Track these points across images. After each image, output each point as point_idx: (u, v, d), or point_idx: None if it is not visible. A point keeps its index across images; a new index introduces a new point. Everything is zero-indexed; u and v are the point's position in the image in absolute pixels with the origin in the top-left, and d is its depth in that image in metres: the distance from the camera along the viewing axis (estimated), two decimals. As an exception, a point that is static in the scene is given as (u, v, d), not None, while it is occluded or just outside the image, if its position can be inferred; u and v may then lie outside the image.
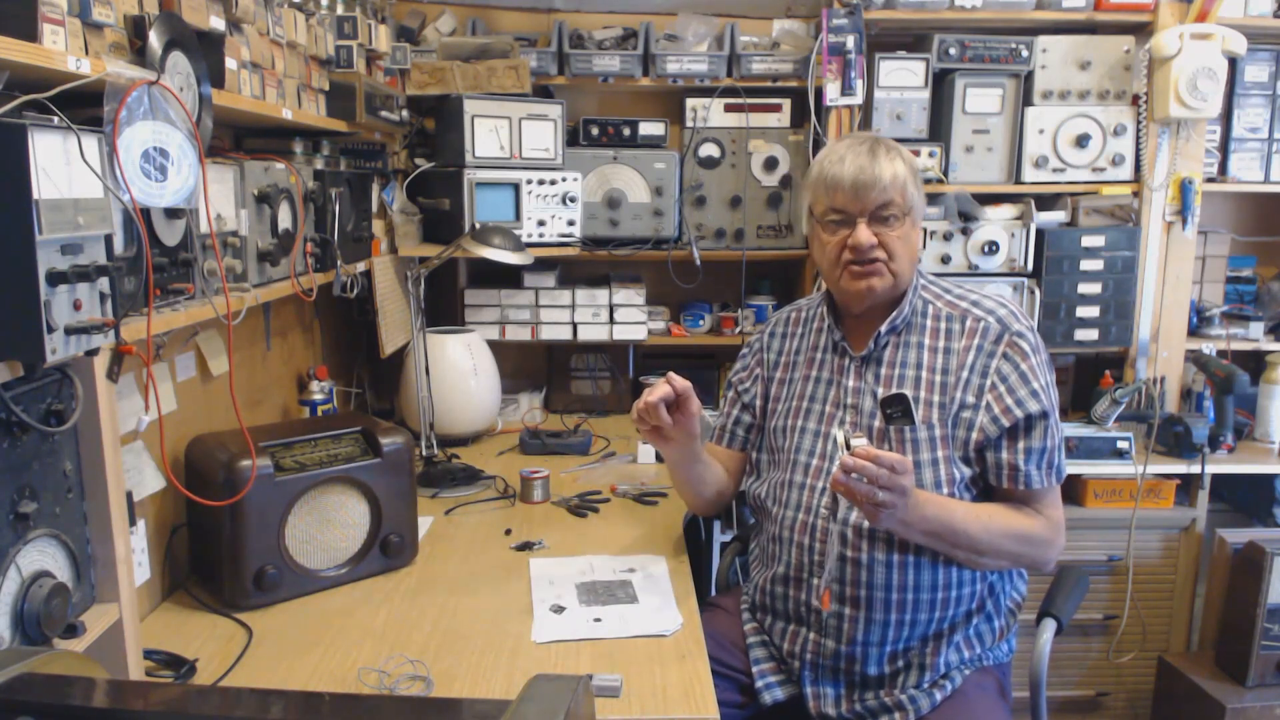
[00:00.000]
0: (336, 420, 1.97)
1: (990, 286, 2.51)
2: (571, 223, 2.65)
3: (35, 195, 0.98)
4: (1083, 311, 2.72)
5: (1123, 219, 2.73)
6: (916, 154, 2.67)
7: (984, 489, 1.60)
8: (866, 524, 1.51)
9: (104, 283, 1.11)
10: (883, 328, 1.61)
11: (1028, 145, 2.69)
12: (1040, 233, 2.71)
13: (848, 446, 1.39)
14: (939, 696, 1.56)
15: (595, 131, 2.86)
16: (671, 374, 1.63)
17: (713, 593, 2.05)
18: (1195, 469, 2.57)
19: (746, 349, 1.86)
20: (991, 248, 2.70)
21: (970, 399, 1.55)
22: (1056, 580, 1.77)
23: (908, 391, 1.53)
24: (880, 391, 1.59)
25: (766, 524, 1.70)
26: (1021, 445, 1.54)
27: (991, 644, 1.63)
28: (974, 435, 1.55)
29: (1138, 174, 2.70)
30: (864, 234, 1.56)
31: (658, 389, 1.61)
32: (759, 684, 1.64)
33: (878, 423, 1.57)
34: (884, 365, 1.61)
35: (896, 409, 1.46)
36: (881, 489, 1.36)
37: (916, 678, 1.57)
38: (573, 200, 2.63)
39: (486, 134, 2.53)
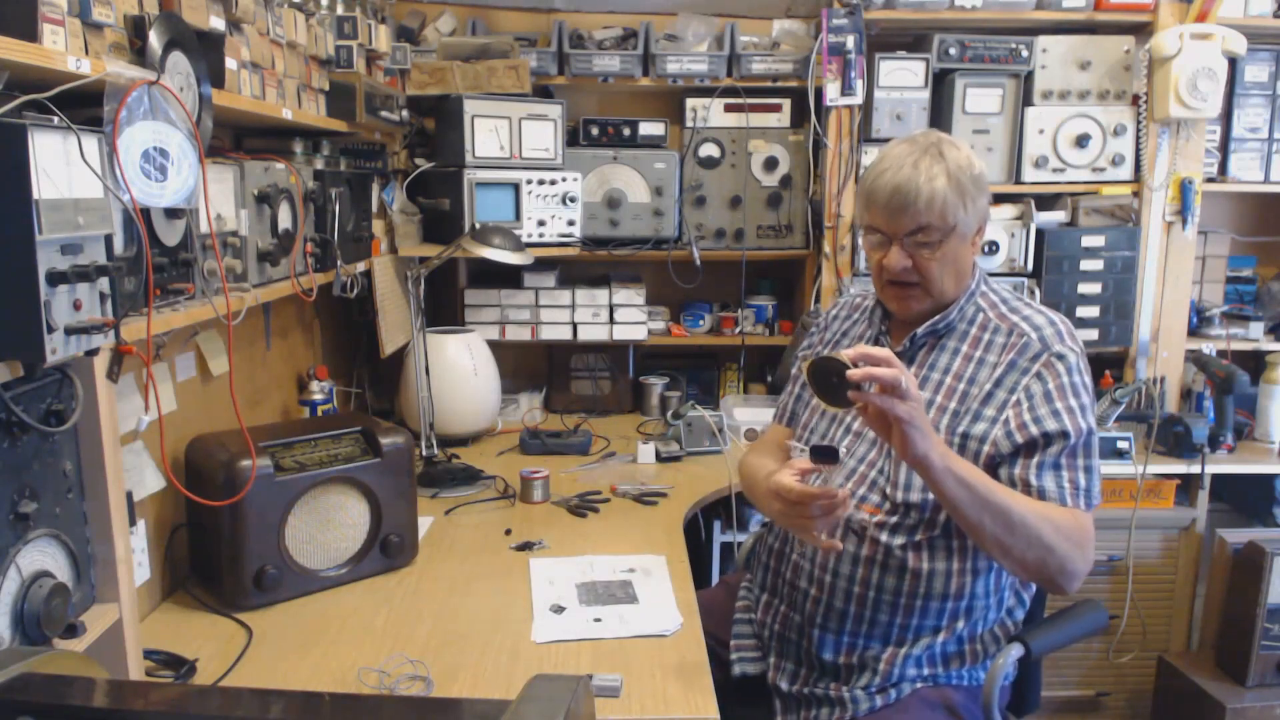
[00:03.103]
0: (336, 420, 1.97)
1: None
2: (571, 223, 2.65)
3: (35, 195, 0.98)
4: (1083, 311, 2.71)
5: (1123, 219, 2.73)
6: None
7: None
8: (844, 514, 1.44)
9: (104, 283, 1.11)
10: (919, 330, 1.57)
11: (1028, 145, 2.69)
12: (1040, 233, 2.71)
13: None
14: (880, 702, 1.52)
15: (595, 131, 2.86)
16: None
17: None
18: (1195, 469, 2.57)
19: (815, 328, 1.84)
20: (991, 248, 2.70)
21: (989, 411, 1.49)
22: (1062, 610, 1.65)
23: (927, 395, 1.50)
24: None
25: None
26: (1035, 460, 1.46)
27: (958, 667, 1.57)
28: (985, 448, 1.48)
29: (1138, 174, 2.70)
30: (895, 258, 1.51)
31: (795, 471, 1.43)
32: (733, 655, 1.66)
33: None
34: (914, 365, 1.58)
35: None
36: (897, 399, 1.28)
37: (868, 680, 1.54)
38: (573, 200, 2.63)
39: (486, 134, 2.53)
